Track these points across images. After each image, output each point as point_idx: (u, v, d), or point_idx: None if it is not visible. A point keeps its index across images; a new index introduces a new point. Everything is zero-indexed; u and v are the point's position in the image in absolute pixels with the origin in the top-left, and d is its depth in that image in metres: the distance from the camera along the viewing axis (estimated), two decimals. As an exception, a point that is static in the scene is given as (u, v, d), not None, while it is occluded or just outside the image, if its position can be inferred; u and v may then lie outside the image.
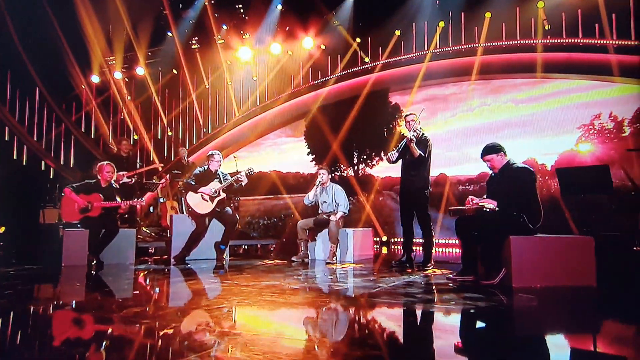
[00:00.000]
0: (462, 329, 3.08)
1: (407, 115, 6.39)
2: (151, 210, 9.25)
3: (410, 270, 5.90)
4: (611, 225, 9.09)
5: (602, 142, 9.65)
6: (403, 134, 11.14)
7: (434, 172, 10.67)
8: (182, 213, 9.24)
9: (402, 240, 6.55)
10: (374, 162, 11.47)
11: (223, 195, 6.99)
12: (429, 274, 5.56)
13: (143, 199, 6.75)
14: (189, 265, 6.50)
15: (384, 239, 10.58)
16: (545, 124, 9.31)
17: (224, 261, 6.93)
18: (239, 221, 7.23)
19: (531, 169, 4.86)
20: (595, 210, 9.29)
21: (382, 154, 11.39)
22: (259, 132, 12.74)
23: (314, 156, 12.29)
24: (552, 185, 10.04)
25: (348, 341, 2.69)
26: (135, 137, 14.33)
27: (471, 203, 5.04)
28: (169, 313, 3.32)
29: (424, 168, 6.23)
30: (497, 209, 4.67)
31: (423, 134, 6.18)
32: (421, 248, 6.43)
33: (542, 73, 9.33)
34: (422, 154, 6.07)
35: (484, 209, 4.71)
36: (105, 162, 6.82)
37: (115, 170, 6.83)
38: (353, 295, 4.09)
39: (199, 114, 13.92)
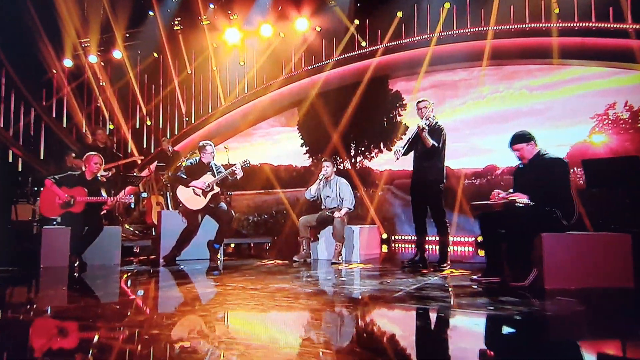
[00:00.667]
0: (518, 339, 2.91)
1: (419, 102, 6.21)
2: (132, 206, 8.96)
3: (425, 271, 5.74)
4: (625, 221, 9.08)
5: (616, 133, 9.60)
6: (410, 125, 11.02)
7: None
8: (169, 209, 8.97)
9: (415, 237, 6.38)
10: (373, 155, 11.31)
11: (217, 189, 6.77)
12: (447, 275, 5.41)
13: (132, 196, 6.50)
14: (182, 267, 6.26)
15: (384, 236, 10.44)
16: (557, 113, 9.22)
17: (218, 261, 6.72)
18: (234, 218, 6.99)
19: (565, 159, 4.71)
20: (609, 205, 9.26)
21: (382, 145, 11.24)
22: (248, 121, 12.47)
23: (308, 148, 12.08)
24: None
25: (394, 354, 2.51)
26: (111, 126, 13.96)
27: (497, 197, 4.88)
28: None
29: (438, 159, 6.06)
30: (531, 203, 4.51)
31: (437, 122, 5.99)
32: (436, 247, 6.27)
33: (558, 59, 9.22)
34: (436, 144, 5.89)
35: (516, 204, 4.54)
36: (93, 153, 6.54)
37: (104, 162, 6.56)
38: (378, 300, 3.89)
39: (181, 102, 13.60)
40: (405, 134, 10.90)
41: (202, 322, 3.08)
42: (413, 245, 10.08)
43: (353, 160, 11.53)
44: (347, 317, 3.37)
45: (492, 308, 3.55)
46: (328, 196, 6.97)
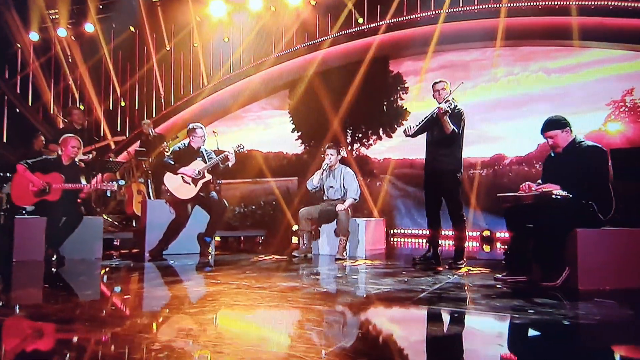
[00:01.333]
0: (577, 348, 2.76)
1: (435, 83, 6.02)
2: (108, 195, 8.67)
3: (440, 268, 5.61)
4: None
5: (633, 121, 9.56)
6: (412, 110, 10.86)
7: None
8: (150, 198, 8.70)
9: (423, 231, 6.25)
10: (372, 142, 11.15)
11: (208, 177, 6.56)
12: (464, 273, 5.27)
13: (113, 182, 6.24)
14: (172, 262, 6.03)
15: (383, 230, 10.30)
16: (573, 99, 9.14)
17: (210, 256, 6.51)
18: (228, 209, 6.77)
19: (604, 148, 4.57)
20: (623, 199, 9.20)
21: (382, 132, 11.07)
22: (236, 103, 12.20)
23: (300, 134, 11.86)
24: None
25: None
26: (81, 107, 13.55)
27: (527, 189, 4.74)
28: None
29: (456, 147, 5.90)
30: (570, 195, 4.36)
31: (456, 105, 5.81)
32: (445, 242, 6.15)
33: (575, 40, 9.10)
34: (456, 130, 5.72)
35: (553, 196, 4.38)
36: (70, 135, 6.26)
37: (82, 145, 6.29)
38: (406, 301, 3.72)
39: (160, 82, 13.26)
40: (406, 120, 10.77)
41: (225, 328, 2.87)
42: (413, 240, 10.00)
43: (350, 147, 11.35)
44: (383, 323, 3.19)
45: (532, 312, 3.39)
46: (331, 186, 6.77)
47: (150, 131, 9.47)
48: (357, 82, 10.86)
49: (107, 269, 5.54)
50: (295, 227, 11.08)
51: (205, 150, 6.78)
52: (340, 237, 6.45)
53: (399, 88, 10.89)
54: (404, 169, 10.68)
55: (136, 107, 13.57)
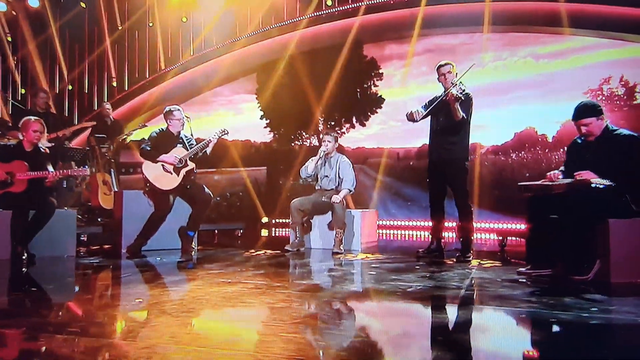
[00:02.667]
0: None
1: (441, 66, 5.76)
2: (64, 185, 8.01)
3: (450, 261, 5.39)
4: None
5: (610, 110, 9.61)
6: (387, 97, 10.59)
7: (416, 143, 10.36)
8: (115, 189, 8.10)
9: (431, 223, 6.02)
10: (344, 130, 10.83)
11: (191, 165, 6.15)
12: (478, 266, 5.09)
13: (86, 167, 5.70)
14: (158, 259, 5.56)
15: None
16: (557, 86, 9.11)
17: (193, 252, 6.10)
18: (212, 199, 6.34)
19: (640, 136, 4.42)
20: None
21: (355, 119, 10.78)
22: (203, 86, 11.56)
23: (268, 121, 11.42)
24: (552, 160, 9.96)
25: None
26: (22, 91, 12.65)
27: (554, 177, 4.55)
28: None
29: (464, 134, 5.68)
30: (613, 184, 4.18)
31: (464, 89, 5.55)
32: (452, 233, 5.96)
33: (555, 26, 9.05)
34: (465, 116, 5.49)
35: (593, 185, 4.19)
36: (32, 118, 5.64)
37: (45, 129, 5.69)
38: (453, 301, 3.45)
39: (112, 64, 12.51)
40: (381, 108, 10.53)
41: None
42: (390, 232, 9.80)
43: (321, 136, 10.97)
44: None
45: (595, 309, 3.18)
46: (326, 176, 6.43)
47: (110, 116, 8.85)
48: (330, 67, 10.48)
49: (82, 268, 5.03)
50: (264, 219, 10.71)
51: (185, 136, 6.34)
52: (336, 229, 6.13)
53: (373, 74, 10.60)
54: (379, 158, 10.43)
55: (85, 91, 12.75)
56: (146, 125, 9.20)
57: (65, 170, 5.56)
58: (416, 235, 9.10)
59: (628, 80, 9.55)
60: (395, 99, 9.97)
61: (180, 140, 6.22)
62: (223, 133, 6.28)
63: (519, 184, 4.85)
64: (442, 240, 5.96)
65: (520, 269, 4.58)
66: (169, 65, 11.87)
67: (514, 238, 7.48)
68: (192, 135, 6.50)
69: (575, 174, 4.34)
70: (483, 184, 10.00)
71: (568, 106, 9.77)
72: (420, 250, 5.88)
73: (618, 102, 9.67)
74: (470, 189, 10.10)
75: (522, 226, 9.30)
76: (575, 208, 4.32)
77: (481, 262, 5.42)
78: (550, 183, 4.49)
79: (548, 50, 8.86)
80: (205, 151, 6.18)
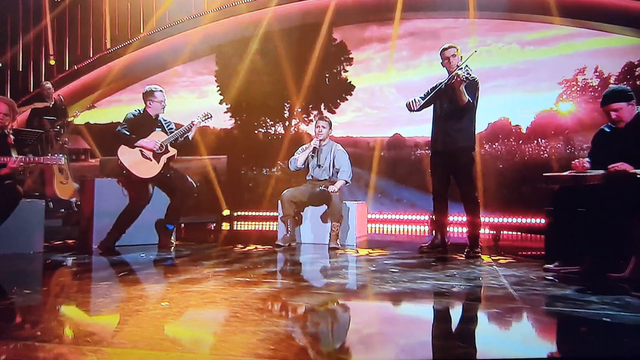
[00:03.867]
0: None
1: (445, 50, 5.56)
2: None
3: (460, 257, 5.25)
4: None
5: (585, 101, 9.82)
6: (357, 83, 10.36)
7: (386, 132, 10.25)
8: (68, 178, 7.51)
9: (432, 216, 5.86)
10: (312, 118, 10.56)
11: (172, 151, 5.76)
12: (492, 262, 4.98)
13: (60, 156, 5.20)
14: (142, 255, 5.14)
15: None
16: (537, 75, 9.19)
17: (172, 247, 5.72)
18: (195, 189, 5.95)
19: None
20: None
21: (323, 106, 10.53)
22: (161, 65, 10.94)
23: (229, 106, 10.98)
24: (526, 151, 10.08)
25: None
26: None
27: (580, 167, 4.45)
28: None
29: (470, 120, 5.51)
30: (658, 173, 4.09)
31: (470, 73, 5.38)
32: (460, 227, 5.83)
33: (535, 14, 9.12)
34: (471, 100, 5.35)
35: (638, 176, 4.09)
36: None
37: (14, 112, 5.15)
38: (509, 302, 3.26)
39: (50, 41, 11.70)
40: (350, 95, 10.34)
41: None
42: (376, 225, 9.66)
43: (287, 123, 10.70)
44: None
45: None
46: (319, 165, 6.15)
47: (54, 97, 8.19)
48: (297, 49, 10.19)
49: (54, 266, 4.58)
50: (226, 212, 10.31)
51: (164, 119, 5.93)
52: (332, 222, 5.87)
53: (342, 59, 10.38)
54: (347, 148, 10.22)
55: (19, 70, 11.88)
56: (94, 107, 8.55)
57: (36, 158, 5.00)
58: (406, 229, 8.99)
59: (603, 71, 9.75)
60: (373, 85, 9.77)
61: (159, 124, 5.81)
62: (206, 117, 5.92)
63: (544, 174, 4.73)
64: (447, 235, 5.80)
65: (547, 265, 4.47)
66: (118, 43, 11.16)
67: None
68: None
69: (610, 166, 4.23)
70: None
71: (543, 96, 9.99)
72: (424, 245, 5.72)
73: (592, 93, 9.86)
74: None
75: (495, 219, 9.43)
76: (610, 201, 4.24)
77: (493, 257, 5.30)
78: (583, 174, 4.38)
79: (534, 37, 8.90)
80: (187, 136, 5.80)
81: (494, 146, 10.18)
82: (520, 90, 9.33)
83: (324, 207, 6.09)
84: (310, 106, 10.50)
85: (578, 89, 9.93)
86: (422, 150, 10.22)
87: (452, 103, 5.44)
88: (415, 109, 5.46)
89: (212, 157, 10.72)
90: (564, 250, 4.50)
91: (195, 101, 10.81)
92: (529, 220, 8.89)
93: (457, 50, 5.54)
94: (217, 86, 11.00)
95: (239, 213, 10.24)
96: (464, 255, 5.31)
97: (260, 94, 10.40)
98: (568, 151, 9.67)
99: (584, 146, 9.62)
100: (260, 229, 9.15)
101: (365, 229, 7.07)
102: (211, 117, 6.01)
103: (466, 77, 5.07)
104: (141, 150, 5.54)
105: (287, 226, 6.00)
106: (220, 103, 10.95)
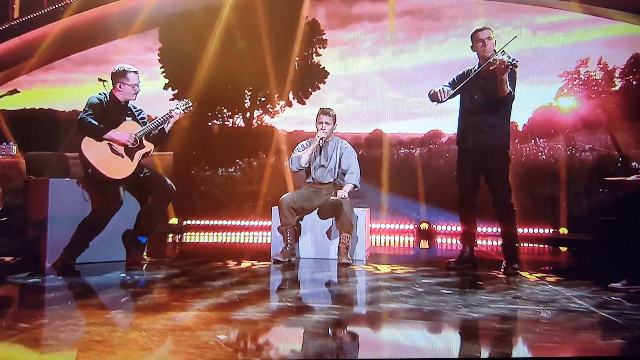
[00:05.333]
0: None
1: (479, 31, 5.45)
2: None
3: (498, 274, 5.17)
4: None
5: (587, 96, 10.04)
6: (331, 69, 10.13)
7: (366, 129, 10.14)
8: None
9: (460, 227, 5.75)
10: (278, 108, 10.33)
11: (149, 146, 5.48)
12: (540, 280, 4.94)
13: (11, 144, 4.79)
14: (122, 274, 4.76)
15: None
16: (546, 65, 9.30)
17: (144, 264, 5.42)
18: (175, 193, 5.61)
19: None
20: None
21: (291, 95, 10.30)
22: (97, 36, 10.30)
23: (176, 92, 10.56)
24: (523, 152, 10.19)
25: None
26: None
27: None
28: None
29: (506, 114, 5.45)
30: None
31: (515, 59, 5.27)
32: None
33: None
34: (512, 92, 5.27)
35: None
36: None
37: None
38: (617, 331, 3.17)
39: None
40: (324, 83, 10.16)
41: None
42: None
43: (248, 114, 10.40)
44: None
45: None
46: (322, 166, 5.93)
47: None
48: (259, 28, 9.87)
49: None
50: (173, 220, 9.85)
51: (134, 107, 5.61)
52: (342, 234, 5.67)
53: (314, 40, 10.17)
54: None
55: None
56: (18, 91, 7.91)
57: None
58: (389, 240, 8.88)
59: (607, 63, 9.97)
60: (359, 72, 9.60)
61: (129, 112, 5.47)
62: (187, 106, 5.69)
63: (606, 179, 4.71)
64: (475, 248, 5.71)
65: (614, 284, 4.42)
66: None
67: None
68: None
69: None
70: (441, 178, 9.99)
71: (542, 90, 10.11)
72: (452, 260, 5.60)
73: (596, 88, 10.08)
74: (424, 185, 10.27)
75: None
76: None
77: (536, 275, 5.26)
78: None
79: (547, 20, 8.97)
80: (164, 128, 5.54)
81: (486, 146, 10.25)
82: (519, 82, 9.38)
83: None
84: (277, 95, 10.21)
85: (580, 82, 10.13)
86: (405, 149, 10.17)
87: (485, 94, 5.35)
88: (444, 99, 5.32)
89: (157, 153, 10.26)
90: (631, 266, 4.46)
91: (144, 83, 10.21)
92: (530, 230, 8.95)
93: (492, 32, 5.44)
94: (161, 67, 10.53)
95: (190, 222, 9.77)
96: (501, 272, 5.21)
97: (216, 78, 9.96)
98: (568, 152, 9.85)
99: (586, 147, 9.83)
100: (216, 240, 8.76)
101: (369, 241, 6.90)
102: (191, 106, 5.72)
103: (512, 64, 4.95)
104: (110, 144, 5.16)
105: (286, 238, 5.73)
106: (165, 88, 10.51)
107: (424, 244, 8.84)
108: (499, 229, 5.56)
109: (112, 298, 3.94)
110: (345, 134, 9.99)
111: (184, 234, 8.99)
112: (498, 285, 4.68)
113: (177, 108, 5.57)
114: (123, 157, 5.21)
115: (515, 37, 5.35)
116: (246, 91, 10.34)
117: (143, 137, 5.33)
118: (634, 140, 9.53)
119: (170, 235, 8.06)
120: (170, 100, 10.52)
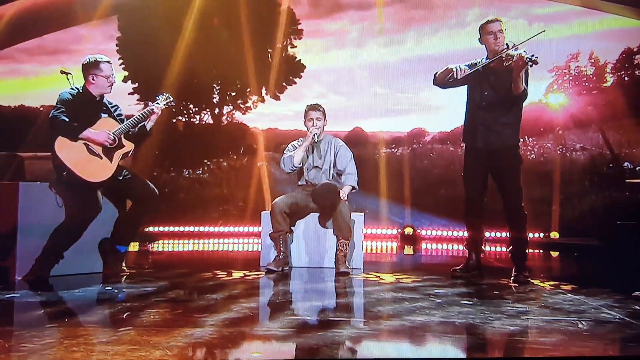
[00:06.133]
0: None
1: (489, 23, 5.43)
2: None
3: (507, 282, 5.22)
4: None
5: (578, 93, 10.23)
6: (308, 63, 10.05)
7: (347, 126, 10.11)
8: None
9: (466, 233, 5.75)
10: (250, 104, 10.27)
11: (129, 146, 5.34)
12: (555, 288, 5.00)
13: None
14: (107, 289, 4.61)
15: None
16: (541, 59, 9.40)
17: (124, 276, 5.25)
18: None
19: None
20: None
21: (264, 90, 10.23)
22: (49, 22, 9.99)
23: (136, 85, 10.39)
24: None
25: None
26: None
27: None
28: None
29: (518, 113, 5.48)
30: None
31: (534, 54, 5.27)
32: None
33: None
34: (526, 89, 5.30)
35: None
36: None
37: None
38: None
39: None
40: (299, 77, 10.12)
41: None
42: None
43: (216, 111, 10.28)
44: None
45: None
46: (315, 166, 5.90)
47: None
48: (229, 16, 9.78)
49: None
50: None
51: (109, 102, 5.44)
52: (340, 240, 5.63)
53: (290, 31, 10.12)
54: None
55: None
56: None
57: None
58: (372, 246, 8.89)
59: (598, 57, 10.15)
60: (343, 65, 9.57)
61: (104, 108, 5.31)
62: (168, 101, 5.54)
63: (627, 180, 4.77)
64: (482, 255, 5.74)
65: (637, 292, 4.48)
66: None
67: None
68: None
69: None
70: (425, 179, 10.05)
71: (531, 86, 10.24)
72: (457, 268, 5.59)
73: (587, 84, 10.25)
74: (407, 186, 10.28)
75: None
76: None
77: (546, 283, 5.31)
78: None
79: (545, 11, 9.07)
80: (145, 126, 5.40)
81: (470, 145, 10.32)
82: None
83: (316, 217, 5.99)
84: (248, 90, 10.13)
85: (570, 78, 10.30)
86: (388, 149, 10.17)
87: (496, 90, 5.36)
88: (460, 76, 5.27)
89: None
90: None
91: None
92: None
93: (503, 23, 5.44)
94: (120, 58, 10.32)
95: (151, 229, 9.57)
96: (511, 280, 5.24)
97: (180, 70, 9.79)
98: (559, 152, 10.00)
99: (576, 146, 9.98)
100: (183, 249, 8.60)
101: (360, 248, 6.86)
102: (172, 101, 5.62)
103: (532, 60, 4.93)
104: (87, 144, 5.01)
105: (279, 245, 5.67)
106: (125, 81, 10.32)
107: (408, 250, 8.88)
108: (509, 234, 5.60)
109: (111, 314, 3.79)
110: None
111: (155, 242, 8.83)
112: (517, 294, 4.68)
113: (157, 103, 5.42)
114: (101, 158, 5.06)
115: (544, 30, 5.37)
116: (214, 85, 10.25)
117: (122, 136, 5.18)
118: (627, 140, 9.71)
119: (138, 243, 7.85)
120: (129, 94, 10.37)
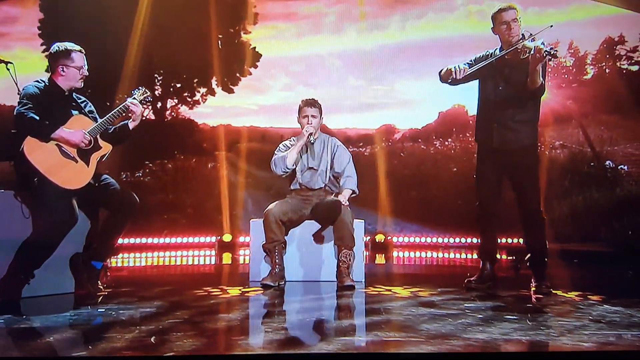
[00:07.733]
0: None
1: (502, 12, 5.51)
2: None
3: (529, 293, 5.36)
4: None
5: (557, 86, 10.54)
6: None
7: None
8: None
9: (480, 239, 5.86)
10: (198, 97, 10.19)
11: (105, 147, 5.29)
12: (589, 300, 5.05)
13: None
14: (101, 310, 4.50)
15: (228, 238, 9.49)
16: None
17: (100, 295, 5.16)
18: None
19: None
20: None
21: (215, 83, 10.16)
22: None
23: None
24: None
25: None
26: None
27: None
28: None
29: (536, 109, 5.61)
30: None
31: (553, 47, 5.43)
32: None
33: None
34: (543, 83, 5.45)
35: None
36: None
37: None
38: None
39: None
40: (255, 67, 10.09)
41: None
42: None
43: (159, 105, 10.15)
44: None
45: None
46: (311, 168, 5.90)
47: None
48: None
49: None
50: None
51: (78, 97, 5.39)
52: (343, 250, 5.65)
53: (242, 16, 10.08)
54: (252, 143, 9.98)
55: None
56: None
57: None
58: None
59: (578, 47, 10.47)
60: (314, 53, 9.55)
61: (74, 104, 5.25)
62: (145, 95, 5.54)
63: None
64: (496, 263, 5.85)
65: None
66: None
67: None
68: (17, 87, 5.49)
69: None
70: (395, 181, 10.13)
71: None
72: (472, 279, 5.68)
73: (566, 76, 10.57)
74: (373, 188, 10.35)
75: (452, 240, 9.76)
76: None
77: (572, 294, 5.41)
78: None
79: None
80: (126, 125, 5.39)
81: (446, 143, 10.48)
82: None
83: (315, 229, 6.02)
84: (196, 80, 10.04)
85: (549, 70, 10.57)
86: (355, 148, 10.21)
87: (511, 85, 5.47)
88: (459, 77, 5.37)
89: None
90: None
91: (39, 63, 9.64)
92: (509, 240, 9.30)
93: (517, 12, 5.54)
94: (42, 44, 10.03)
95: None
96: (531, 292, 5.38)
97: (114, 59, 9.61)
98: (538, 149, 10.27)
99: (555, 143, 10.27)
100: (125, 265, 8.40)
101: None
102: (149, 97, 5.62)
103: (550, 54, 5.07)
104: (59, 146, 4.89)
105: (274, 257, 5.64)
106: (48, 71, 9.99)
107: (380, 259, 8.96)
108: (525, 241, 5.72)
109: (134, 339, 3.66)
110: (281, 129, 10.06)
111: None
112: (556, 308, 4.74)
113: (133, 98, 5.40)
114: (76, 161, 4.97)
115: (552, 25, 5.51)
116: (155, 75, 10.06)
117: (98, 136, 5.10)
118: (608, 136, 10.05)
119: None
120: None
